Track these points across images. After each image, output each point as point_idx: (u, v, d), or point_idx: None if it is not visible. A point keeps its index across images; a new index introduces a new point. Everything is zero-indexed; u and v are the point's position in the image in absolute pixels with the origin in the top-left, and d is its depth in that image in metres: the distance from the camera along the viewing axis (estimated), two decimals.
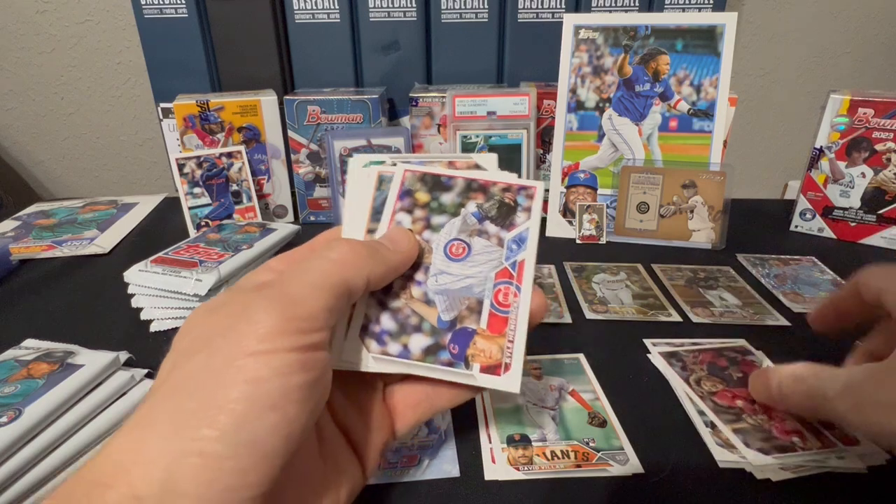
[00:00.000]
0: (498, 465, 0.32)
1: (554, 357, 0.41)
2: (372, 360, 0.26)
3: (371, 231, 0.28)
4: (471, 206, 0.28)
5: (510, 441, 0.34)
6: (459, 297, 0.27)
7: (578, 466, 0.32)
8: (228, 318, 0.21)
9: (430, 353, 0.26)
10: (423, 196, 0.28)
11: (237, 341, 0.20)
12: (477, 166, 0.29)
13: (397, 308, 0.27)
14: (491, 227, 0.28)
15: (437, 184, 0.29)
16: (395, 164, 0.29)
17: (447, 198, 0.28)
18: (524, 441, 0.34)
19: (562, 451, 0.33)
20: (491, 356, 0.25)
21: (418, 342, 0.26)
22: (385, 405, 0.28)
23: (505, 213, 0.28)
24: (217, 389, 0.19)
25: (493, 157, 0.29)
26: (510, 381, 0.25)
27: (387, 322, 0.27)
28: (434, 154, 0.31)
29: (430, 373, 0.26)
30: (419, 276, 0.27)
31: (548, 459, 0.32)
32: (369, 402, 0.27)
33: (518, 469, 0.32)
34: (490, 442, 0.34)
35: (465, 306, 0.26)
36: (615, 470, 0.32)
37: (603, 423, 0.35)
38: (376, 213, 0.28)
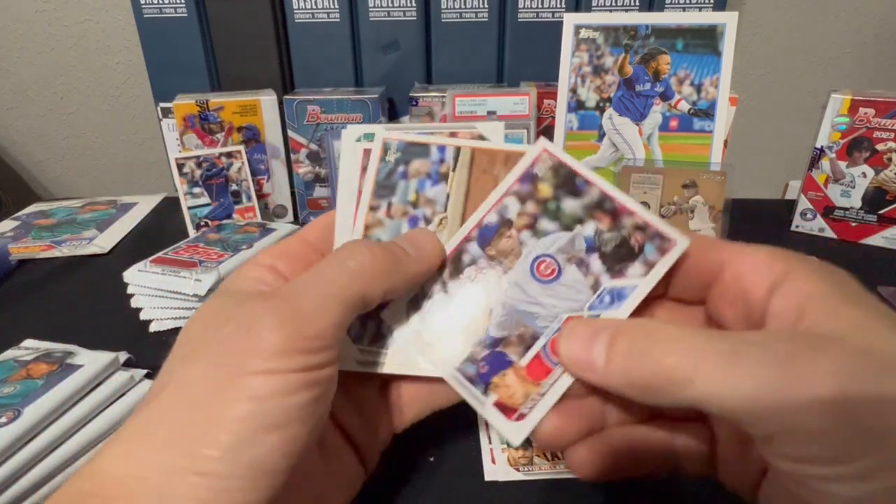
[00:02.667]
0: (498, 465, 0.32)
1: None
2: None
3: (374, 208, 0.26)
4: (588, 228, 0.23)
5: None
6: (518, 320, 0.23)
7: None
8: (232, 329, 0.20)
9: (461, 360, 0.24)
10: (546, 189, 0.24)
11: (241, 357, 0.19)
12: (481, 137, 0.26)
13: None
14: (595, 263, 0.23)
15: (568, 181, 0.24)
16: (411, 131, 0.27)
17: (571, 205, 0.24)
18: (524, 441, 0.34)
19: (562, 452, 0.33)
20: (512, 397, 0.23)
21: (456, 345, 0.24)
22: (382, 402, 0.27)
23: (621, 256, 0.23)
24: (217, 406, 0.18)
25: (500, 125, 0.26)
26: (517, 430, 0.22)
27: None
28: (433, 125, 0.29)
29: (452, 381, 0.24)
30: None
31: (548, 460, 0.32)
32: (367, 400, 0.26)
33: (518, 470, 0.32)
34: (490, 442, 0.34)
35: (518, 333, 0.23)
36: None
37: None
38: (381, 190, 0.26)
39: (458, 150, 0.26)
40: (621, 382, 0.20)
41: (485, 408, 0.23)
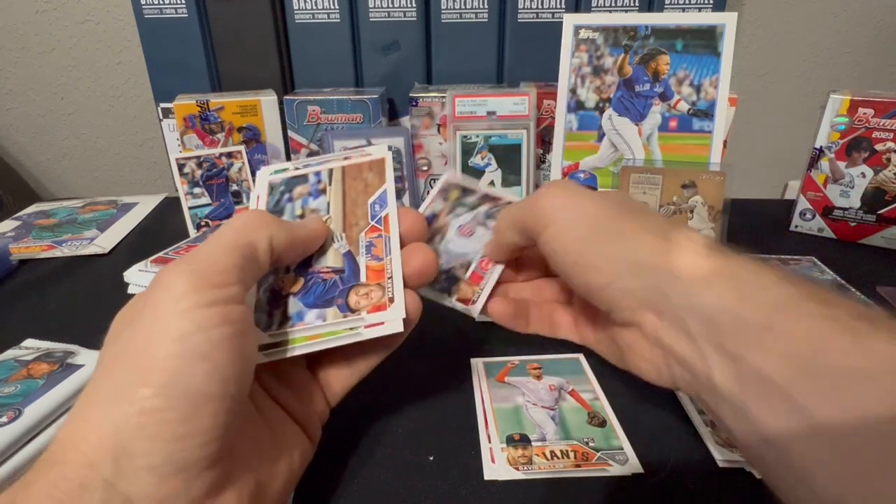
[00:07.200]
0: (497, 464, 0.32)
1: (554, 357, 0.41)
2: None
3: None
4: (483, 208, 0.37)
5: (510, 441, 0.34)
6: (457, 257, 0.35)
7: (578, 466, 0.32)
8: (147, 293, 0.23)
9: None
10: (455, 194, 0.38)
11: (158, 308, 0.21)
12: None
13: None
14: (491, 223, 0.36)
15: (465, 190, 0.38)
16: (297, 168, 0.36)
17: (470, 199, 0.37)
18: (524, 441, 0.34)
19: (561, 451, 0.33)
20: (465, 294, 0.34)
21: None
22: (312, 379, 0.30)
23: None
24: (147, 353, 0.21)
25: (384, 146, 0.36)
26: (474, 309, 0.33)
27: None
28: (332, 154, 0.40)
29: (426, 293, 0.33)
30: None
31: (547, 459, 0.32)
32: (298, 379, 0.30)
33: (518, 469, 0.32)
34: (490, 442, 0.34)
35: (459, 263, 0.35)
36: (615, 470, 0.32)
37: (602, 423, 0.35)
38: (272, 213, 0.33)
39: (330, 170, 0.35)
40: (508, 224, 0.32)
41: (452, 301, 0.34)
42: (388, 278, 0.29)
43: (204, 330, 0.21)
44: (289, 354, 0.28)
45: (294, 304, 0.29)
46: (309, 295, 0.30)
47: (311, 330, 0.28)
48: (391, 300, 0.29)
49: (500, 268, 0.34)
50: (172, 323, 0.21)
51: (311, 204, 0.33)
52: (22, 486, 0.20)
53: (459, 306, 0.34)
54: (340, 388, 0.31)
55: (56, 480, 0.19)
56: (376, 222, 0.32)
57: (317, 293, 0.30)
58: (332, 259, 0.31)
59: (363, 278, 0.30)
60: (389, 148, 0.36)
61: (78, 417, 0.21)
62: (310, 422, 0.29)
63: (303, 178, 0.35)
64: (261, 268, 0.26)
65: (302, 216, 0.33)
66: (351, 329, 0.28)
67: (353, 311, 0.29)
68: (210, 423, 0.20)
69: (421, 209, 0.36)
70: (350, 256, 0.31)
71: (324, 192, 0.34)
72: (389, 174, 0.34)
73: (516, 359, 0.41)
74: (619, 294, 0.26)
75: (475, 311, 0.33)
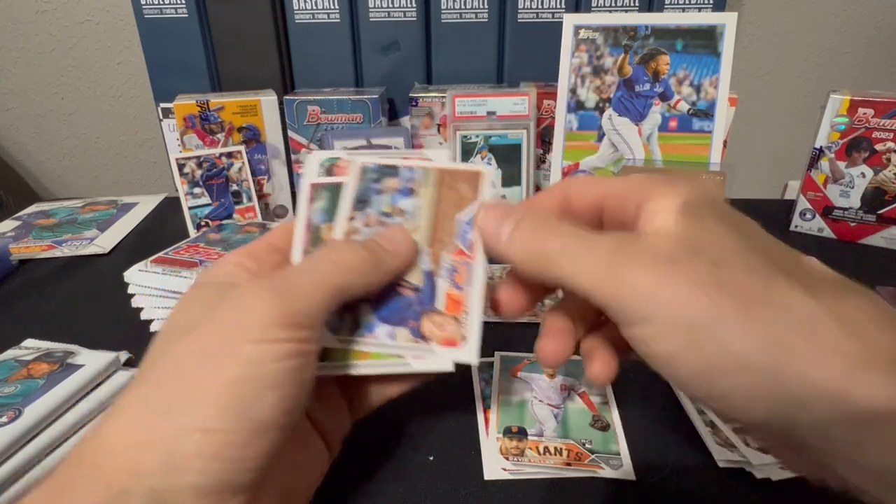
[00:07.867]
0: (497, 464, 0.32)
1: (572, 358, 0.41)
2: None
3: (351, 219, 0.30)
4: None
5: (507, 432, 0.34)
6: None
7: (568, 465, 0.32)
8: (227, 308, 0.22)
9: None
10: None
11: (239, 329, 0.21)
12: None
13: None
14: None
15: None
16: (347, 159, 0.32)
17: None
18: (520, 434, 0.34)
19: (555, 448, 0.33)
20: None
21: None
22: (342, 394, 0.30)
23: None
24: (216, 371, 0.20)
25: (446, 152, 0.32)
26: (468, 353, 0.27)
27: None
28: (391, 151, 0.35)
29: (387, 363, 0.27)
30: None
31: (539, 454, 0.33)
32: (329, 392, 0.29)
33: (507, 459, 0.32)
34: (487, 434, 0.34)
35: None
36: (605, 473, 0.32)
37: (605, 427, 0.35)
38: (359, 204, 0.30)
39: (426, 170, 0.31)
40: (516, 253, 0.24)
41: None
42: (465, 313, 0.27)
43: (278, 360, 0.21)
44: (349, 372, 0.27)
45: (366, 313, 0.28)
46: (383, 307, 0.28)
47: (378, 347, 0.27)
48: (464, 338, 0.27)
49: (481, 268, 0.28)
50: (248, 348, 0.21)
51: (399, 203, 0.30)
52: (58, 489, 0.19)
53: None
54: (367, 407, 0.30)
55: (95, 487, 0.19)
56: (465, 246, 0.29)
57: (392, 308, 0.28)
58: (413, 274, 0.29)
59: (440, 305, 0.28)
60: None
61: (130, 419, 0.20)
62: (333, 436, 0.29)
63: (393, 171, 0.31)
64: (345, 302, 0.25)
65: (388, 214, 0.30)
66: (399, 357, 0.27)
67: (424, 338, 0.27)
68: (266, 450, 0.21)
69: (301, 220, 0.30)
70: (430, 276, 0.29)
71: (413, 192, 0.30)
72: (487, 193, 0.30)
73: (534, 355, 0.41)
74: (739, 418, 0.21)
75: (469, 356, 0.26)
